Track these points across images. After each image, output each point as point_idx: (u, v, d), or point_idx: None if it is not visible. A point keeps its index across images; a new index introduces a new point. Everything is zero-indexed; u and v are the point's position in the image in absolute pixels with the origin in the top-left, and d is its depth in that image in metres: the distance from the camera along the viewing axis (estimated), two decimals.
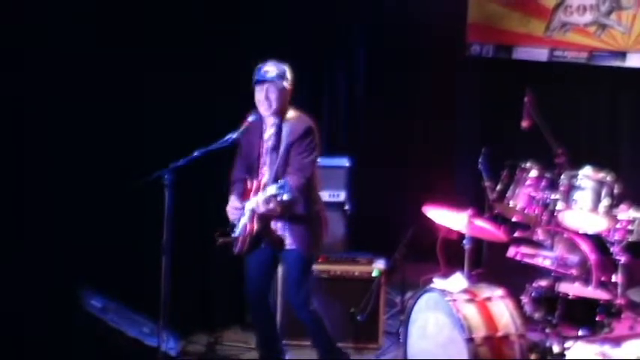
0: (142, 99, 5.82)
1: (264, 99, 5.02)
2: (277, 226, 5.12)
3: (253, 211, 4.99)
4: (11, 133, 5.39)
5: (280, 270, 5.52)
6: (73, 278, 5.46)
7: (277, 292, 5.73)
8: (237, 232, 5.06)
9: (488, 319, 4.94)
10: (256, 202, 4.95)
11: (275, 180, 4.97)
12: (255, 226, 5.01)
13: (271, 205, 4.91)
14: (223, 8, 6.14)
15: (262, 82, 5.01)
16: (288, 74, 5.07)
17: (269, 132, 5.11)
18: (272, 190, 4.83)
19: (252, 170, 5.13)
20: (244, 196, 5.09)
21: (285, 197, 4.78)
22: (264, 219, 5.03)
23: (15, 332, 5.18)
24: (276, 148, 5.06)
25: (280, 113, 5.06)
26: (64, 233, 5.53)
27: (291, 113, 5.10)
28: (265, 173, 5.10)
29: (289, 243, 5.12)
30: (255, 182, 5.08)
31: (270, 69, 5.03)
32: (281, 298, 5.74)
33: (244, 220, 5.03)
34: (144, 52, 5.76)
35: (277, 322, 5.43)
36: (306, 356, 5.43)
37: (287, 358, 5.42)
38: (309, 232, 5.11)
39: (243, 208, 5.05)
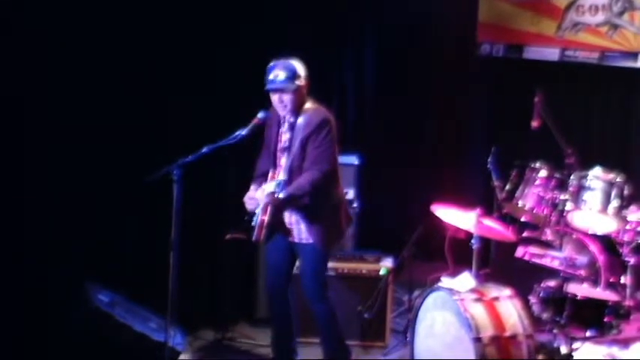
0: (151, 95, 5.83)
1: (278, 103, 5.03)
2: (292, 219, 5.13)
3: (263, 203, 5.03)
4: (15, 129, 5.41)
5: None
6: (81, 272, 5.48)
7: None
8: (254, 220, 5.08)
9: (496, 318, 4.93)
10: (262, 194, 5.00)
11: (290, 172, 5.01)
12: (266, 218, 5.02)
13: (270, 199, 4.96)
14: (230, 7, 6.16)
15: (274, 90, 5.00)
16: (300, 70, 5.04)
17: (286, 125, 5.12)
18: (271, 187, 4.92)
19: (272, 162, 5.16)
20: None
21: (281, 195, 4.88)
22: (275, 210, 5.03)
23: (20, 327, 5.19)
24: (291, 140, 5.07)
25: (297, 109, 5.06)
26: (73, 228, 5.55)
27: (307, 105, 5.09)
28: (282, 165, 5.11)
29: (305, 238, 5.13)
30: (271, 173, 5.10)
31: (280, 73, 4.98)
32: (294, 295, 5.74)
33: (258, 210, 5.06)
34: (149, 50, 5.78)
35: (293, 319, 5.42)
36: (316, 355, 5.43)
37: (298, 358, 5.42)
38: (325, 226, 5.11)
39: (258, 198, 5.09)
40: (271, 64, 5.04)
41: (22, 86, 5.38)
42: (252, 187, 5.16)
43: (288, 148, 5.09)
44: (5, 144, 5.37)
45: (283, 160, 5.11)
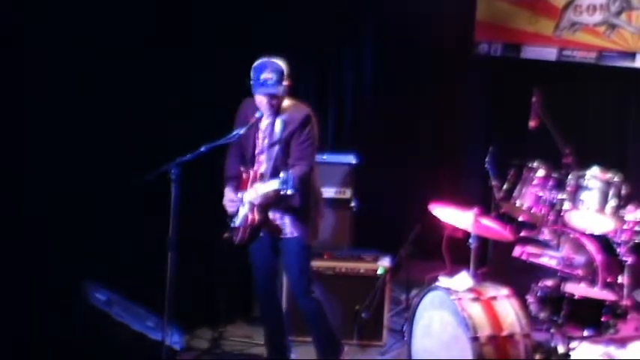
0: (149, 95, 5.83)
1: (267, 105, 5.01)
2: (276, 215, 5.13)
3: (252, 203, 5.00)
4: (14, 128, 5.40)
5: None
6: (79, 271, 5.47)
7: (282, 288, 5.74)
8: (238, 222, 5.08)
9: (494, 318, 4.94)
10: (255, 193, 4.96)
11: (274, 170, 4.98)
12: (257, 217, 5.02)
13: (270, 199, 4.94)
14: (230, 7, 6.15)
15: (266, 94, 4.97)
16: (286, 70, 5.01)
17: (266, 122, 5.09)
18: (275, 184, 4.84)
19: (248, 161, 5.13)
20: (241, 187, 5.10)
21: (289, 192, 4.80)
22: (264, 209, 5.04)
23: (18, 325, 5.18)
24: (274, 138, 5.05)
25: (279, 109, 5.06)
26: (71, 226, 5.55)
27: (286, 102, 5.08)
28: (263, 163, 5.10)
29: (289, 232, 5.13)
30: (251, 172, 5.08)
31: (269, 76, 4.94)
32: (286, 294, 5.74)
33: (244, 210, 5.05)
34: (147, 49, 5.77)
35: (284, 317, 5.43)
36: (311, 354, 5.43)
37: (293, 357, 5.42)
38: (308, 221, 5.13)
39: (240, 199, 5.07)
40: (258, 64, 4.99)
41: (23, 86, 5.37)
42: (228, 189, 5.13)
43: (270, 144, 5.07)
44: (5, 143, 5.36)
45: (263, 158, 5.09)
